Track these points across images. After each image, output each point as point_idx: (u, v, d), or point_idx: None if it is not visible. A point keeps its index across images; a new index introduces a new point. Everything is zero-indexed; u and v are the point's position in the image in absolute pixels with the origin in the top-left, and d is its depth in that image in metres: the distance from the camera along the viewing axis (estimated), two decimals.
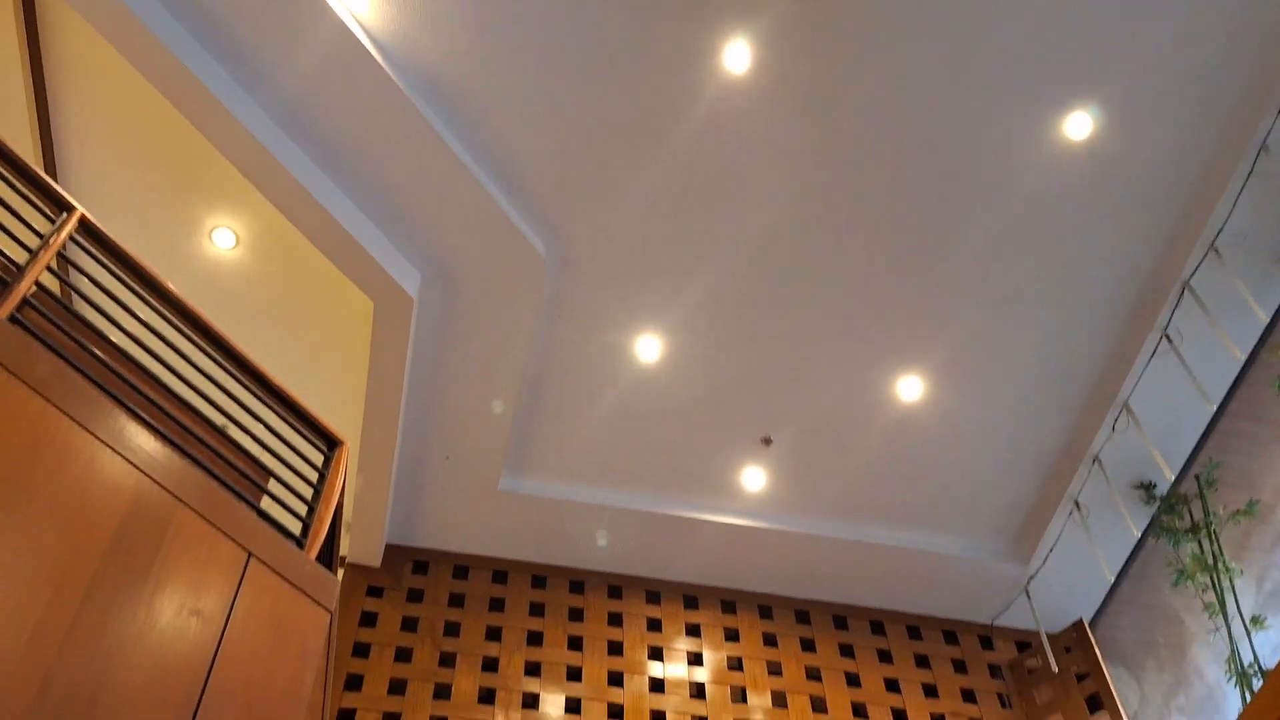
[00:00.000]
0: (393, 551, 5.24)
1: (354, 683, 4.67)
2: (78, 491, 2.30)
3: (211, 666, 2.49)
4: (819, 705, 5.08)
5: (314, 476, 3.20)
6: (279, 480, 3.07)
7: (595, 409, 4.86)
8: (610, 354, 4.68)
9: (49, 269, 2.65)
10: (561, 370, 4.71)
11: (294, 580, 2.79)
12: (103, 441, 2.41)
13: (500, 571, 5.33)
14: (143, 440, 2.51)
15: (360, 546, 5.11)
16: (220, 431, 2.94)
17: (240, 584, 2.62)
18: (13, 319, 2.44)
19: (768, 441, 4.96)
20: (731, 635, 5.31)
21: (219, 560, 2.58)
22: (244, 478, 2.91)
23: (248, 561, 2.67)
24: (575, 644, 5.07)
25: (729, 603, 5.46)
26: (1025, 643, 5.62)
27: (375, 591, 5.08)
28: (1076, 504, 5.04)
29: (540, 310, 4.42)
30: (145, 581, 2.36)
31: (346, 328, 4.46)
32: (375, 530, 5.08)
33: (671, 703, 4.93)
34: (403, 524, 5.23)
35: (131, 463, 2.45)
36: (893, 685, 5.25)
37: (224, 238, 4.32)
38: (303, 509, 3.09)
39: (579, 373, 4.72)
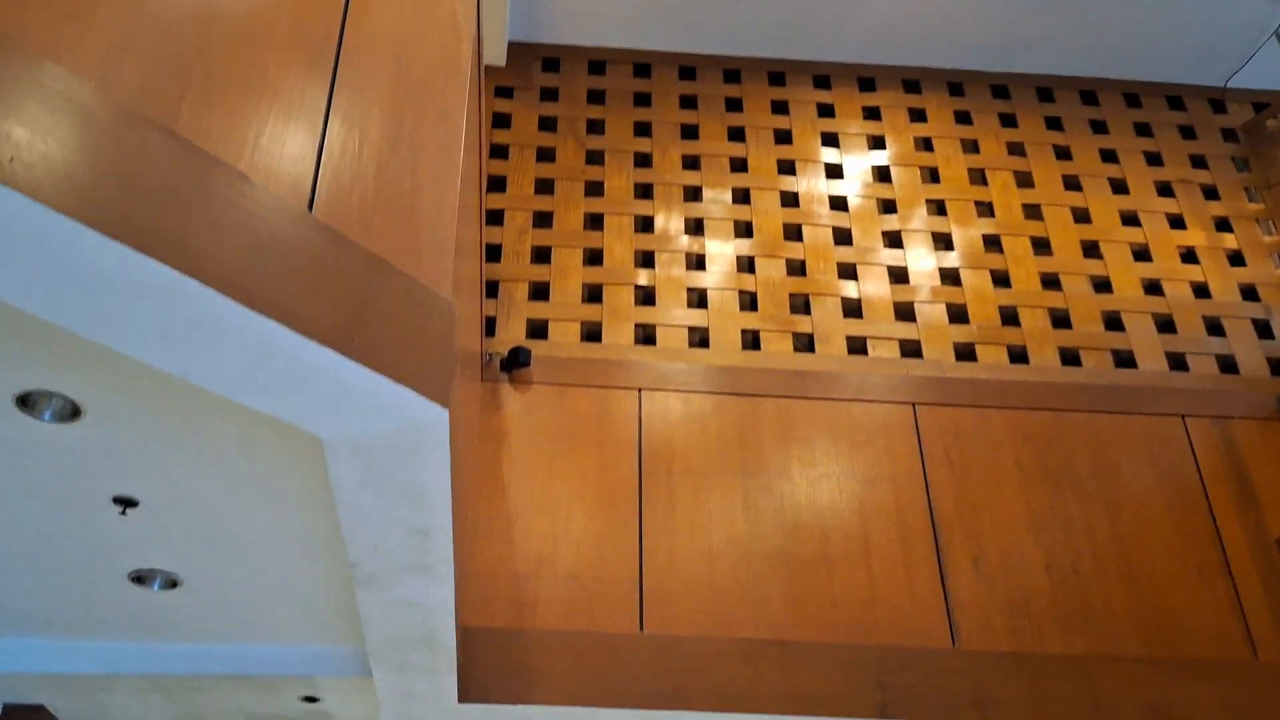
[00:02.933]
0: (518, 49, 4.53)
1: (497, 184, 4.18)
2: None
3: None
4: (1024, 180, 4.42)
5: None
6: None
7: None
8: None
9: None
10: None
11: None
12: None
13: (641, 65, 4.61)
14: None
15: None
16: None
17: None
18: None
19: None
20: (917, 115, 4.57)
21: None
22: None
23: None
24: (736, 135, 4.43)
25: (911, 81, 4.67)
26: (1264, 103, 4.75)
27: (505, 92, 4.45)
28: None
29: None
30: None
31: None
32: (496, 26, 4.34)
33: (853, 187, 4.33)
34: (526, 18, 4.48)
35: None
36: (1109, 155, 4.52)
37: None
38: None
39: None
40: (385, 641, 2.73)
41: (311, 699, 3.46)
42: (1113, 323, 4.16)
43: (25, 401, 2.11)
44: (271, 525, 2.63)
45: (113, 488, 2.46)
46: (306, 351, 1.68)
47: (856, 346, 4.00)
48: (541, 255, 4.02)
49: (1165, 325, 4.16)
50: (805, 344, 3.98)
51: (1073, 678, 3.40)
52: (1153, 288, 4.27)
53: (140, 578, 2.81)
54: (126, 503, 2.49)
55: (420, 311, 1.92)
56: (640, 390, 3.78)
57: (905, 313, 4.09)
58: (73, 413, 2.14)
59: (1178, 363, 4.08)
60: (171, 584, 2.85)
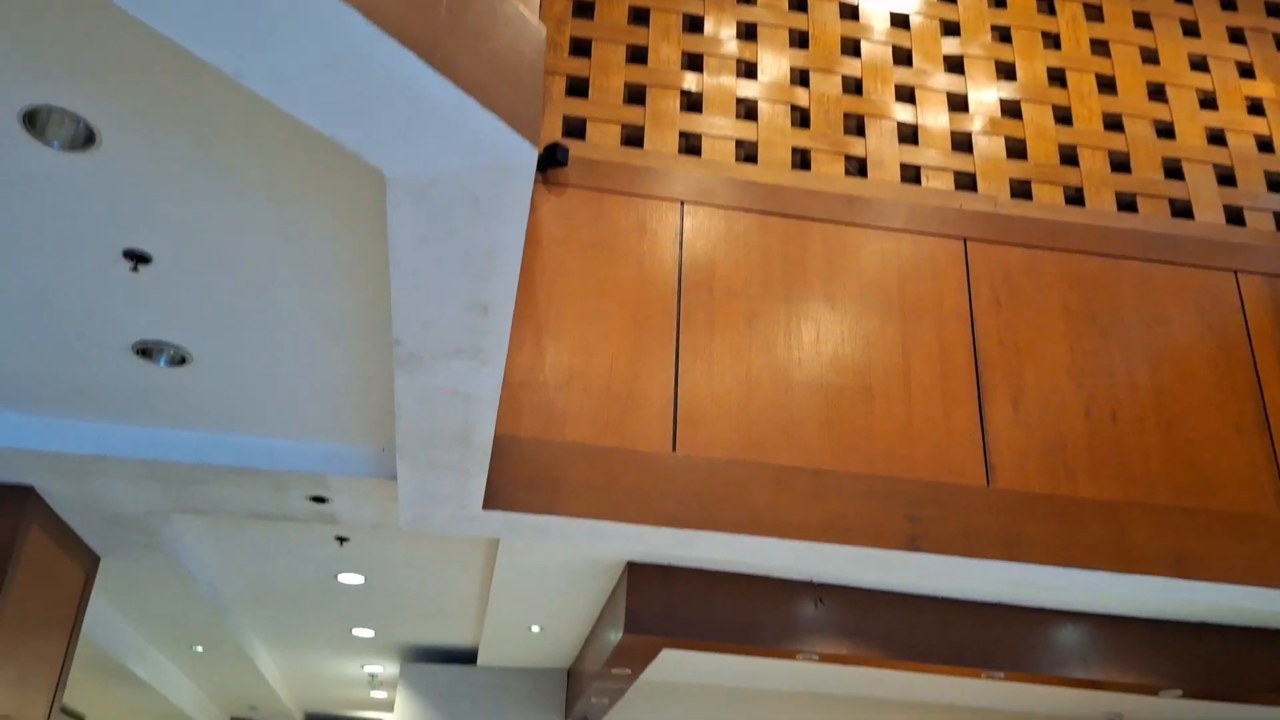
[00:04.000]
0: None
1: None
2: None
3: None
4: (1093, 13, 4.13)
5: None
6: None
7: None
8: None
9: None
10: None
11: None
12: None
13: None
14: None
15: None
16: None
17: None
18: None
19: None
20: None
21: None
22: None
23: None
24: None
25: None
26: None
27: None
28: None
29: None
30: None
31: None
32: None
33: (914, 3, 4.00)
34: None
35: None
36: None
37: None
38: None
39: None
40: (417, 436, 2.54)
41: (320, 499, 3.31)
42: (1172, 171, 3.95)
43: (33, 121, 1.83)
44: (296, 298, 2.40)
45: (124, 239, 2.20)
46: (386, 53, 1.42)
47: (910, 175, 3.76)
48: (580, 48, 3.68)
49: (1226, 178, 3.96)
50: (857, 168, 3.73)
51: (1103, 522, 3.33)
52: (1216, 138, 4.04)
53: (146, 350, 2.58)
54: (139, 258, 2.24)
55: (512, 33, 1.65)
56: (683, 203, 3.53)
57: (962, 143, 3.84)
58: (86, 139, 1.87)
59: (1235, 217, 3.90)
60: (179, 360, 2.63)
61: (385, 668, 6.88)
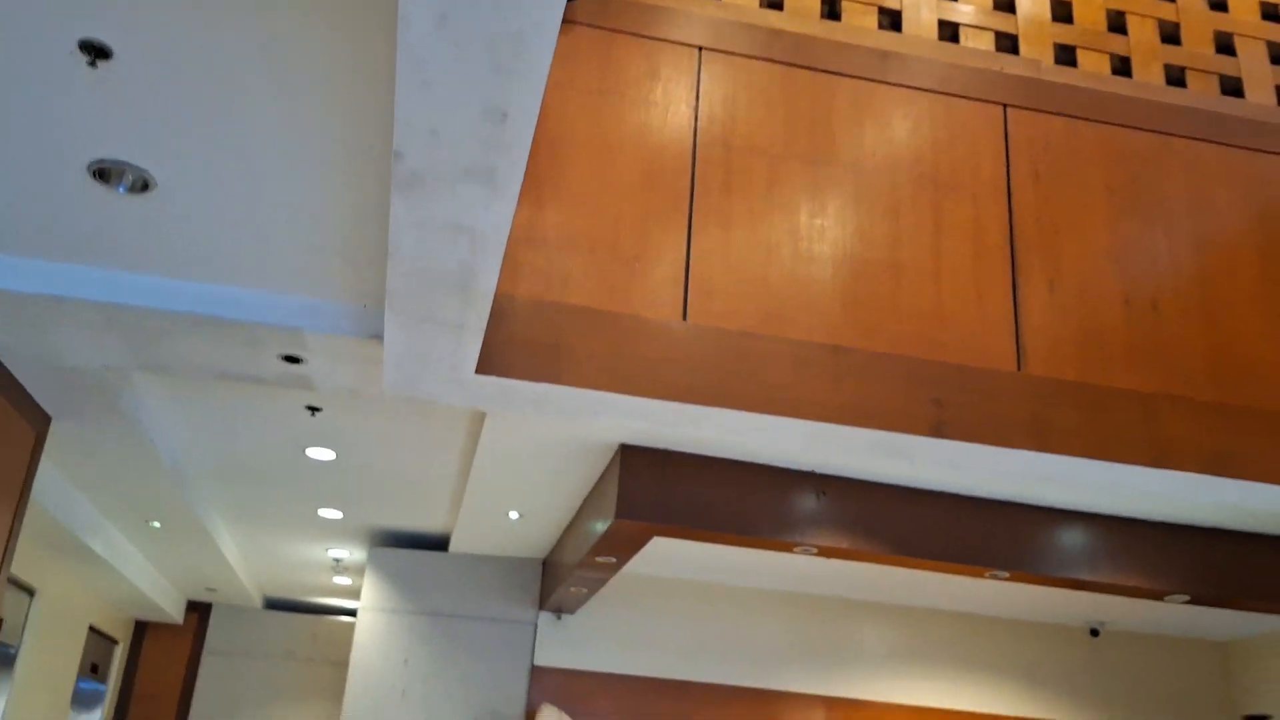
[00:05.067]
0: None
1: None
2: None
3: None
4: None
5: None
6: None
7: None
8: None
9: None
10: None
11: None
12: None
13: None
14: None
15: None
16: None
17: None
18: None
19: None
20: None
21: None
22: None
23: None
24: None
25: None
26: None
27: None
28: None
29: None
30: None
31: None
32: None
33: None
34: None
35: None
36: None
37: None
38: None
39: None
40: (412, 280, 2.24)
41: (294, 359, 3.00)
42: (1224, 46, 3.66)
43: None
44: (277, 115, 2.06)
45: (81, 27, 1.84)
46: None
47: (947, 34, 3.43)
48: None
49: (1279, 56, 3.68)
50: (890, 22, 3.40)
51: (1136, 414, 3.13)
52: (1270, 14, 3.75)
53: (104, 172, 2.24)
54: (97, 51, 1.89)
55: None
56: (700, 49, 3.18)
57: (1004, 2, 3.52)
58: None
59: None
60: (141, 186, 2.29)
61: (351, 552, 6.68)
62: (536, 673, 5.48)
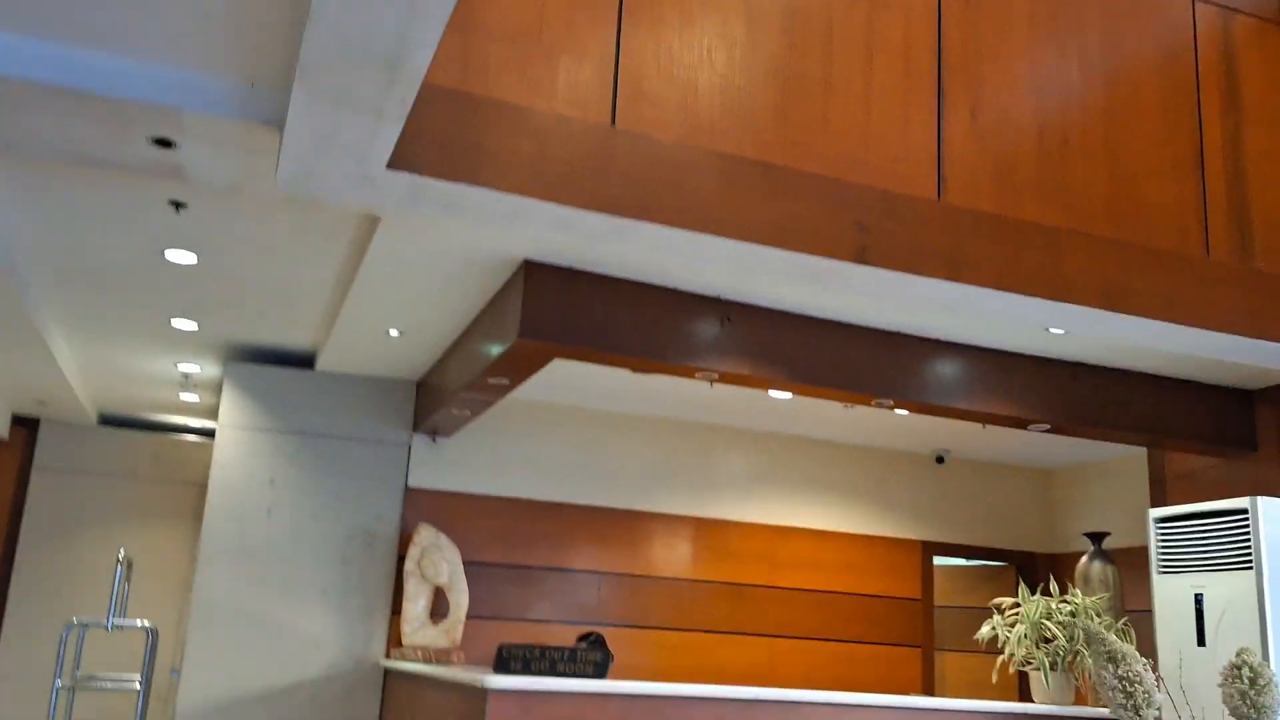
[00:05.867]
0: None
1: None
2: None
3: None
4: None
5: None
6: None
7: None
8: None
9: None
10: None
11: None
12: None
13: None
14: None
15: None
16: None
17: None
18: None
19: None
20: None
21: None
22: None
23: None
24: None
25: None
26: None
27: None
28: None
29: None
30: None
31: None
32: None
33: None
34: None
35: None
36: None
37: None
38: None
39: None
40: (331, 49, 1.95)
41: (165, 142, 2.63)
42: None
43: None
44: None
45: None
46: None
47: None
48: None
49: None
50: None
51: (1045, 248, 3.19)
52: None
53: None
54: None
55: None
56: None
57: None
58: None
59: None
60: None
61: (203, 367, 6.28)
62: (411, 494, 5.39)
